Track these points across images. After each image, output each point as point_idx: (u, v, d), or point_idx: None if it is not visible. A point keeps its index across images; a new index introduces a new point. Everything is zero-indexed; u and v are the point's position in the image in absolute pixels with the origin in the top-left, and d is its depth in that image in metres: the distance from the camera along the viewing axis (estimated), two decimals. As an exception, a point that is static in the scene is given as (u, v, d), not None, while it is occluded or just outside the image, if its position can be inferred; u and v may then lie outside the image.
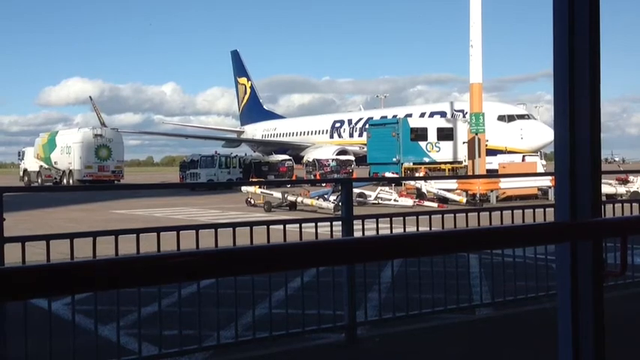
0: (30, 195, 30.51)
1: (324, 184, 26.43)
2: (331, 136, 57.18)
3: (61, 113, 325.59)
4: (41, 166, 47.91)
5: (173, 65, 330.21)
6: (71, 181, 43.92)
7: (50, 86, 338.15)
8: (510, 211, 7.88)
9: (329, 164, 44.31)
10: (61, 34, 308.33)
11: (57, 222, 18.88)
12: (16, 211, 17.94)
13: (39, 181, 46.94)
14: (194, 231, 5.99)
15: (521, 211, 7.97)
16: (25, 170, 50.32)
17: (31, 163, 49.34)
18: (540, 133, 40.95)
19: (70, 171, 44.45)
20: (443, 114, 46.19)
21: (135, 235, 5.71)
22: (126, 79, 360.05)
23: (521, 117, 42.87)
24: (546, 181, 24.75)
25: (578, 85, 2.10)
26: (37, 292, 1.26)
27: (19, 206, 20.50)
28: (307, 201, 22.53)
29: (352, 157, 47.00)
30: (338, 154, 49.21)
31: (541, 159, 35.08)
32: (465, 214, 7.63)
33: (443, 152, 39.06)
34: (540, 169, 29.87)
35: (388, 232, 7.06)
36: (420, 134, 38.92)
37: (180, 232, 5.93)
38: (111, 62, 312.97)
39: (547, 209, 7.99)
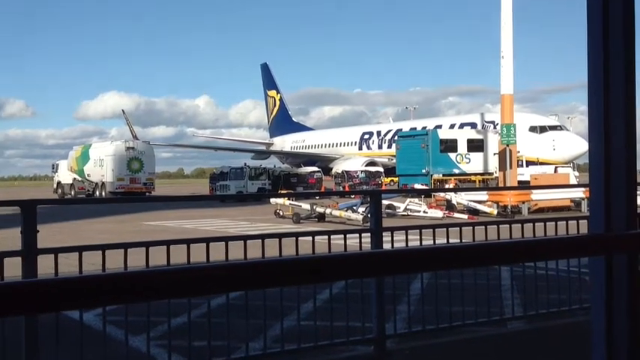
0: (63, 207, 30.97)
1: (352, 196, 26.42)
2: (360, 148, 57.24)
3: (96, 127, 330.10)
4: (74, 179, 48.60)
5: (207, 79, 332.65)
6: (104, 193, 44.52)
7: (87, 100, 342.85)
8: (543, 223, 7.78)
9: (358, 176, 44.29)
10: (100, 49, 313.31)
11: (89, 233, 19.12)
12: (49, 223, 18.23)
13: (72, 193, 47.63)
14: (224, 242, 6.03)
15: (553, 223, 7.86)
16: (58, 183, 51.07)
17: (65, 175, 50.08)
18: (573, 143, 40.50)
19: (103, 183, 45.08)
20: (473, 125, 45.94)
21: (165, 246, 5.76)
22: (161, 93, 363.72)
23: (553, 128, 42.48)
24: (579, 193, 24.42)
25: (613, 95, 2.06)
26: (74, 303, 1.27)
27: (53, 218, 20.81)
28: (336, 212, 22.52)
29: (381, 169, 46.94)
30: (367, 165, 49.21)
31: (574, 170, 34.62)
32: (496, 226, 7.55)
33: (473, 163, 38.78)
34: (573, 181, 29.47)
35: (417, 244, 7.02)
36: (450, 145, 38.71)
37: (210, 243, 5.97)
38: (147, 76, 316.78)
39: (580, 221, 7.86)
